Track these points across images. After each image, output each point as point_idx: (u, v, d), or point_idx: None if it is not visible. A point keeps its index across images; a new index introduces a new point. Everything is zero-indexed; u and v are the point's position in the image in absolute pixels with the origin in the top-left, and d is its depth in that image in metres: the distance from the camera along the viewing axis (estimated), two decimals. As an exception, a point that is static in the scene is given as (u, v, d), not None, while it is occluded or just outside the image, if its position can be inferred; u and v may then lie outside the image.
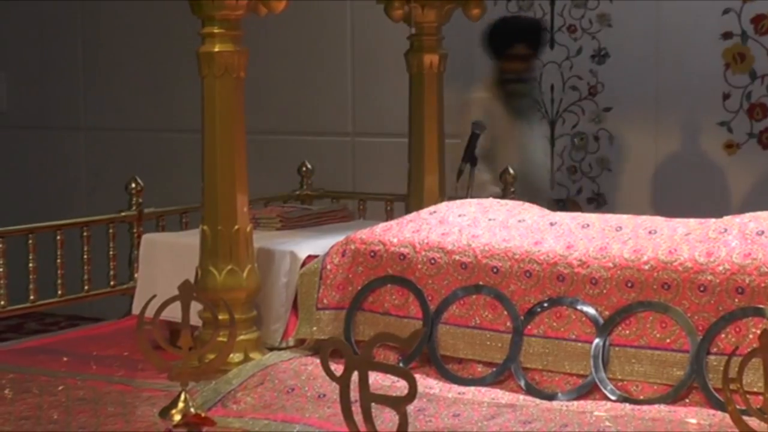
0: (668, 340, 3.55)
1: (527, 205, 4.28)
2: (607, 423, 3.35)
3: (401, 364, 3.79)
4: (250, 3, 4.08)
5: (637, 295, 3.63)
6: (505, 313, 3.80)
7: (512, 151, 5.79)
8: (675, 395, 3.48)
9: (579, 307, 3.70)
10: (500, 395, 3.65)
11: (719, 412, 3.34)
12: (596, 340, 3.64)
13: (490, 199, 4.35)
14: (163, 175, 7.04)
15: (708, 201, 5.77)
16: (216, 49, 4.04)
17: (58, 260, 4.91)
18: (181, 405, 3.37)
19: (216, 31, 4.05)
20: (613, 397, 3.54)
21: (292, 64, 7.17)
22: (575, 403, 3.55)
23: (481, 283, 3.87)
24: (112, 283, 5.15)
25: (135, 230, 5.19)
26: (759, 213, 3.73)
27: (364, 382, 2.66)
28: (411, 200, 5.22)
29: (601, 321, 3.66)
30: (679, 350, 3.53)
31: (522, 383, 3.69)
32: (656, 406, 3.46)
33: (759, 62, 5.98)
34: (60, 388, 3.97)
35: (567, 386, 3.64)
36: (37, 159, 8.07)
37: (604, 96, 6.34)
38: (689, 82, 6.09)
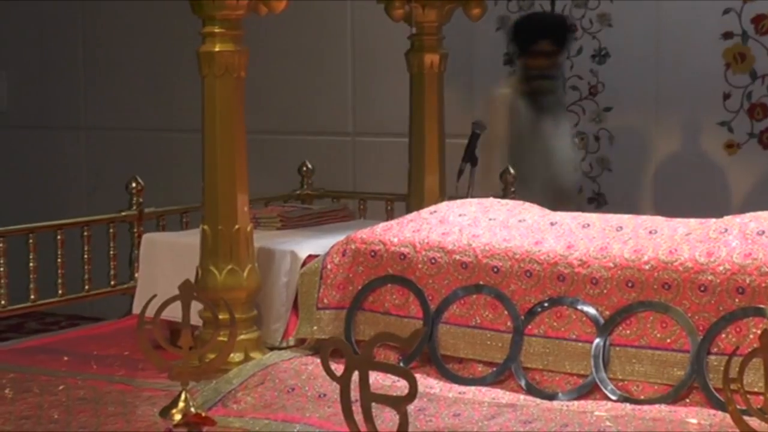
0: (669, 340, 3.55)
1: (528, 204, 4.28)
2: (608, 423, 3.35)
3: (402, 364, 3.78)
4: (251, 3, 4.08)
5: (637, 295, 3.63)
6: (506, 312, 3.80)
7: (537, 148, 5.74)
8: (675, 395, 3.48)
9: (579, 307, 3.70)
10: (501, 395, 3.65)
11: (720, 412, 3.34)
12: (597, 340, 3.64)
13: (491, 199, 4.35)
14: (163, 175, 7.05)
15: (708, 201, 5.77)
16: (216, 49, 4.04)
17: (59, 260, 4.91)
18: (181, 404, 3.37)
19: (216, 30, 4.05)
20: (613, 397, 3.54)
21: (293, 63, 7.17)
22: (576, 402, 3.55)
23: (481, 282, 3.87)
24: (112, 282, 5.15)
25: (135, 230, 5.19)
26: (759, 213, 3.73)
27: (364, 381, 2.66)
28: (411, 200, 5.22)
29: (602, 321, 3.66)
30: (679, 350, 3.53)
31: (522, 383, 3.69)
32: (657, 406, 3.46)
33: (759, 62, 5.98)
34: (60, 387, 3.97)
35: (567, 386, 3.64)
36: (37, 158, 8.07)
37: (604, 96, 6.34)
38: (690, 82, 6.09)
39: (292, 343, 4.25)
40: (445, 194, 5.13)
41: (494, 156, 5.74)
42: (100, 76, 7.89)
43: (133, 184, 5.24)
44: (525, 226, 3.98)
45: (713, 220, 3.77)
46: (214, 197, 4.11)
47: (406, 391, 2.59)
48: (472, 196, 4.65)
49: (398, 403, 2.61)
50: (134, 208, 5.22)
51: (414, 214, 4.30)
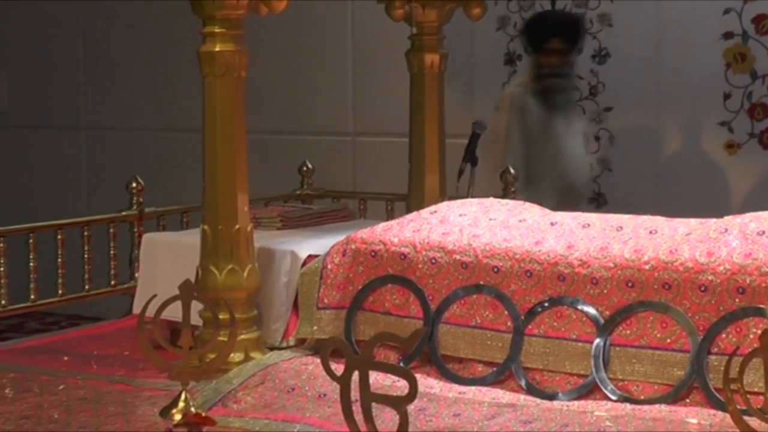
0: (669, 340, 3.55)
1: (528, 204, 4.28)
2: (608, 423, 3.35)
3: (402, 364, 3.78)
4: (251, 3, 4.08)
5: (637, 295, 3.63)
6: (506, 312, 3.80)
7: (548, 146, 5.70)
8: (675, 395, 3.48)
9: (580, 307, 3.70)
10: (501, 395, 3.65)
11: (720, 412, 3.34)
12: (597, 340, 3.64)
13: (491, 199, 4.34)
14: (163, 175, 7.04)
15: (709, 201, 5.77)
16: (217, 49, 4.04)
17: (59, 260, 4.91)
18: (181, 404, 3.37)
19: (217, 30, 4.05)
20: (613, 397, 3.54)
21: (293, 63, 7.17)
22: (576, 402, 3.55)
23: (481, 282, 3.87)
24: (112, 282, 5.15)
25: (135, 230, 5.19)
26: (760, 213, 3.72)
27: (364, 381, 2.66)
28: (412, 200, 5.22)
29: (602, 321, 3.65)
30: (679, 350, 3.53)
31: (522, 383, 3.69)
32: (657, 406, 3.46)
33: (760, 62, 5.98)
34: (60, 387, 3.97)
35: (568, 386, 3.64)
36: (37, 158, 8.07)
37: (604, 96, 6.34)
38: (690, 82, 6.09)
39: (292, 343, 4.25)
40: (445, 194, 5.13)
41: (502, 154, 5.72)
42: (100, 76, 7.89)
43: (134, 184, 5.24)
44: (525, 226, 3.98)
45: (713, 220, 3.77)
46: (214, 197, 4.11)
47: (407, 391, 2.59)
48: (473, 196, 4.65)
49: (398, 403, 2.61)
50: (134, 207, 5.22)
51: (414, 214, 4.30)
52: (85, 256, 5.01)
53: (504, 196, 5.06)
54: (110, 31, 7.83)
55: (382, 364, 3.17)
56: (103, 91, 7.86)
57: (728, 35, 6.02)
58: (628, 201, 6.10)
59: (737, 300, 3.48)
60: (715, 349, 3.47)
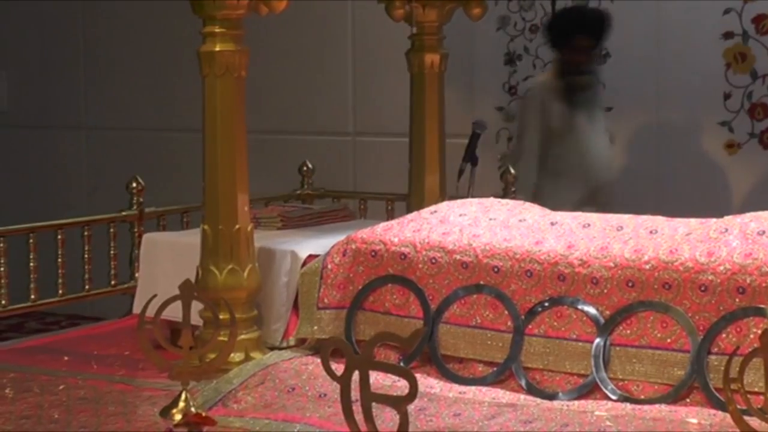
0: (669, 340, 3.55)
1: (528, 204, 4.28)
2: (608, 423, 3.35)
3: (402, 364, 3.78)
4: (251, 2, 4.08)
5: (637, 294, 3.63)
6: (506, 312, 3.80)
7: (571, 144, 5.64)
8: (676, 395, 3.48)
9: (580, 307, 3.70)
10: (501, 395, 3.65)
11: (720, 412, 3.34)
12: (597, 340, 3.64)
13: (491, 199, 4.34)
14: (163, 175, 7.04)
15: (709, 201, 5.77)
16: (217, 49, 4.04)
17: (59, 260, 4.91)
18: (181, 404, 3.37)
19: (217, 30, 4.05)
20: (613, 397, 3.54)
21: (293, 63, 7.17)
22: (576, 402, 3.55)
23: (481, 282, 3.87)
24: (112, 282, 5.16)
25: (136, 230, 5.19)
26: (760, 213, 3.73)
27: (364, 381, 2.66)
28: (412, 200, 5.22)
29: (602, 321, 3.66)
30: (679, 350, 3.53)
31: (523, 383, 3.69)
32: (657, 405, 3.46)
33: (760, 62, 5.98)
34: (61, 387, 3.97)
35: (568, 386, 3.64)
36: (37, 158, 8.07)
37: (604, 95, 6.33)
38: (690, 81, 6.09)
39: (292, 342, 4.25)
40: (445, 194, 5.13)
41: (524, 152, 5.68)
42: (100, 75, 7.89)
43: (134, 184, 5.24)
44: (525, 225, 3.98)
45: (714, 219, 3.77)
46: (214, 197, 4.11)
47: (407, 390, 2.59)
48: (473, 196, 4.65)
49: (398, 403, 2.61)
50: (135, 207, 5.22)
51: (414, 213, 4.30)
52: (86, 256, 5.01)
53: (504, 196, 5.06)
54: (110, 31, 7.83)
55: (383, 364, 3.17)
56: (103, 91, 7.86)
57: (728, 35, 6.02)
58: (628, 201, 6.11)
59: (737, 300, 3.48)
60: (716, 349, 3.47)
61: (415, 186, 5.25)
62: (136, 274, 4.95)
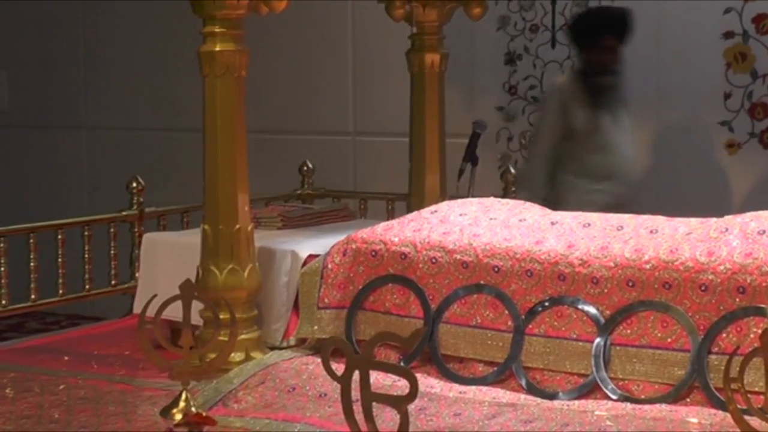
0: (669, 340, 3.55)
1: (528, 204, 4.28)
2: (608, 422, 3.35)
3: (402, 364, 3.79)
4: (252, 2, 4.08)
5: (638, 294, 3.63)
6: (506, 312, 3.80)
7: (595, 145, 5.58)
8: (676, 395, 3.48)
9: (580, 307, 3.70)
10: (501, 394, 3.65)
11: (720, 412, 3.34)
12: (597, 340, 3.64)
13: (491, 199, 4.34)
14: (164, 175, 7.04)
15: (709, 200, 5.76)
16: (217, 49, 4.05)
17: (59, 259, 4.91)
18: (182, 404, 3.37)
19: (217, 30, 4.05)
20: (614, 397, 3.54)
21: (294, 63, 7.17)
22: (576, 402, 3.55)
23: (482, 282, 3.87)
24: (113, 282, 5.16)
25: (136, 229, 5.20)
26: (760, 212, 3.73)
27: (365, 381, 2.66)
28: (412, 199, 5.22)
29: (602, 320, 3.66)
30: (680, 350, 3.53)
31: (523, 382, 3.69)
32: (657, 405, 3.46)
33: (760, 62, 5.98)
34: (61, 387, 3.97)
35: (568, 385, 3.64)
36: (37, 158, 8.07)
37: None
38: (690, 81, 6.08)
39: (292, 342, 4.26)
40: (445, 194, 5.13)
41: (537, 155, 5.64)
42: (100, 75, 7.89)
43: (134, 184, 5.25)
44: (526, 225, 3.98)
45: (714, 219, 3.78)
46: (214, 197, 4.11)
47: (407, 390, 2.59)
48: (473, 196, 4.65)
49: (399, 403, 2.61)
50: (135, 207, 5.22)
51: (415, 213, 4.30)
52: (86, 255, 5.01)
53: (504, 196, 5.06)
54: (110, 31, 7.83)
55: (383, 364, 3.17)
56: (104, 91, 7.86)
57: (729, 35, 6.01)
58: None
59: (738, 299, 3.48)
60: (716, 349, 3.47)
61: (415, 186, 5.25)
62: (137, 274, 4.96)
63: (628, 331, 3.62)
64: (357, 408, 2.68)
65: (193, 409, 3.37)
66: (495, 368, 3.77)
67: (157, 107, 7.65)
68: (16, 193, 8.00)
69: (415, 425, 3.31)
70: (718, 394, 3.38)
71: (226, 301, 3.62)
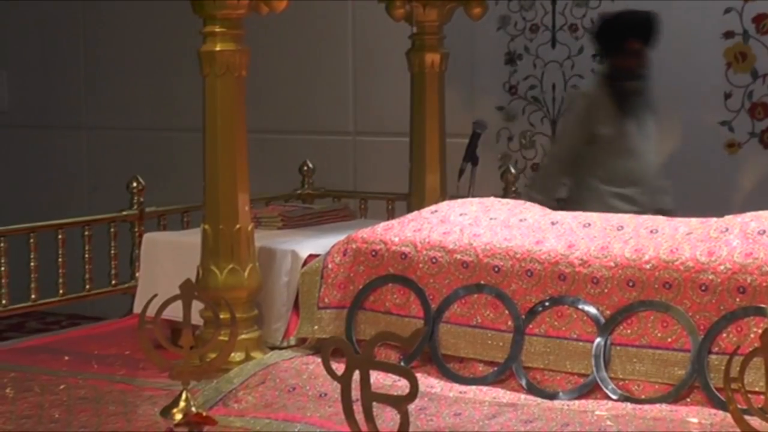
0: (669, 340, 3.55)
1: (528, 204, 4.28)
2: (609, 422, 3.35)
3: (402, 363, 3.79)
4: (252, 2, 4.08)
5: (638, 294, 3.63)
6: (507, 312, 3.80)
7: (619, 150, 5.52)
8: (676, 394, 3.48)
9: (580, 307, 3.70)
10: (501, 394, 3.65)
11: (720, 412, 3.34)
12: (597, 340, 3.64)
13: (492, 198, 4.34)
14: (164, 175, 7.04)
15: (709, 200, 5.76)
16: (217, 48, 4.05)
17: (60, 259, 4.91)
18: (182, 404, 3.37)
19: (217, 30, 4.06)
20: (614, 397, 3.54)
21: (294, 63, 7.17)
22: (576, 402, 3.55)
23: (482, 282, 3.87)
24: (113, 282, 5.16)
25: (136, 229, 5.20)
26: (760, 212, 3.73)
27: (365, 381, 2.66)
28: (412, 199, 5.22)
29: (603, 320, 3.65)
30: (680, 349, 3.53)
31: (523, 382, 3.69)
32: (657, 405, 3.46)
33: (760, 61, 5.97)
34: (61, 387, 3.97)
35: (568, 385, 3.64)
36: (38, 158, 8.07)
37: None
38: (690, 81, 6.08)
39: (293, 342, 4.26)
40: (446, 193, 5.13)
41: (555, 161, 5.61)
42: (101, 75, 7.89)
43: (134, 184, 5.25)
44: (526, 225, 3.98)
45: (714, 219, 3.77)
46: (215, 197, 4.11)
47: (407, 390, 2.59)
48: (473, 196, 4.65)
49: (399, 403, 2.61)
50: (135, 207, 5.22)
51: (415, 213, 4.30)
52: (86, 255, 5.01)
53: (504, 196, 5.06)
54: (111, 31, 7.83)
55: (383, 364, 3.17)
56: (104, 91, 7.86)
57: (729, 34, 6.01)
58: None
59: (738, 299, 3.48)
60: (716, 349, 3.47)
61: (415, 185, 5.25)
62: (137, 274, 4.96)
63: (629, 331, 3.62)
64: (357, 408, 2.68)
65: (194, 408, 3.37)
66: (495, 368, 3.77)
67: (157, 107, 7.65)
68: (17, 193, 8.00)
69: (416, 425, 3.31)
70: (718, 394, 3.38)
71: (226, 301, 3.62)
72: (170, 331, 3.92)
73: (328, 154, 6.82)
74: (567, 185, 5.54)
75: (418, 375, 3.21)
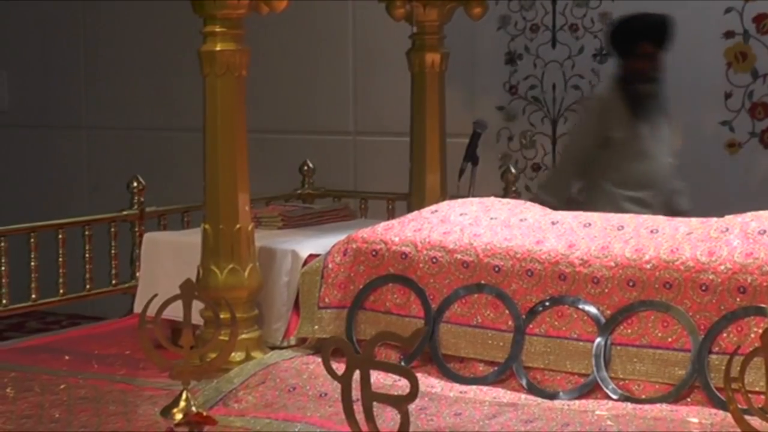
0: (670, 339, 3.55)
1: (529, 204, 4.28)
2: (609, 422, 3.35)
3: (403, 363, 3.79)
4: (252, 2, 4.08)
5: (638, 294, 3.63)
6: (507, 312, 3.80)
7: (633, 154, 5.41)
8: (677, 394, 3.48)
9: (581, 306, 3.70)
10: (502, 394, 3.65)
11: (721, 412, 3.34)
12: (598, 339, 3.63)
13: (492, 198, 4.35)
14: (164, 174, 7.04)
15: (709, 200, 5.76)
16: (218, 48, 4.04)
17: (60, 259, 4.91)
18: (182, 404, 3.37)
19: (218, 30, 4.05)
20: (614, 397, 3.54)
21: (294, 62, 7.17)
22: (577, 402, 3.55)
23: (482, 282, 3.87)
24: (113, 282, 5.16)
25: (136, 229, 5.20)
26: (761, 212, 3.73)
27: (365, 381, 2.66)
28: (412, 199, 5.22)
29: (603, 320, 3.65)
30: (680, 349, 3.53)
31: (523, 382, 3.69)
32: (658, 405, 3.46)
33: (761, 61, 5.97)
34: (61, 386, 3.97)
35: (569, 385, 3.64)
36: (38, 158, 8.07)
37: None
38: (691, 81, 6.08)
39: (293, 342, 4.25)
40: (446, 193, 5.13)
41: (573, 161, 5.59)
42: (101, 75, 7.89)
43: (135, 184, 5.25)
44: (526, 225, 3.98)
45: (714, 219, 3.77)
46: (215, 196, 4.11)
47: (408, 390, 2.59)
48: (474, 196, 4.65)
49: (399, 403, 2.61)
50: (135, 207, 5.23)
51: (415, 213, 4.30)
52: (86, 255, 5.01)
53: (505, 196, 5.06)
54: (111, 31, 7.83)
55: (384, 364, 3.17)
56: (104, 90, 7.86)
57: (729, 34, 6.01)
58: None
59: (738, 299, 3.48)
60: (716, 349, 3.47)
61: (415, 185, 5.25)
62: (137, 274, 4.96)
63: (629, 331, 3.62)
64: (357, 408, 2.68)
65: (194, 408, 3.37)
66: (495, 368, 3.77)
67: (157, 107, 7.64)
68: (17, 192, 8.00)
69: (416, 425, 3.31)
70: (718, 394, 3.38)
71: (226, 301, 3.62)
72: (170, 330, 3.91)
73: (329, 154, 6.82)
74: (579, 188, 5.52)
75: (419, 375, 3.21)
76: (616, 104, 5.44)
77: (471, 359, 3.83)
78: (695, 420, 3.32)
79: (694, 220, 3.82)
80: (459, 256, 3.93)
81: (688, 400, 3.47)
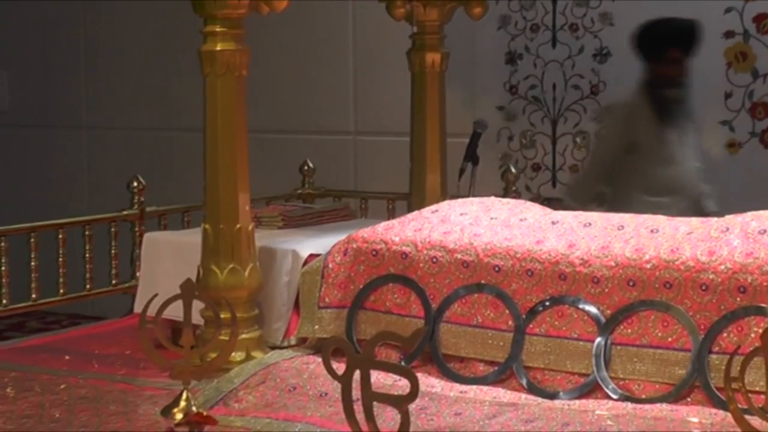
0: (670, 339, 3.55)
1: (529, 203, 4.28)
2: (609, 422, 3.35)
3: (403, 363, 3.79)
4: (253, 2, 4.08)
5: (638, 294, 3.63)
6: (507, 311, 3.80)
7: (659, 159, 5.38)
8: (677, 394, 3.48)
9: (581, 306, 3.70)
10: (502, 394, 3.65)
11: (721, 411, 3.34)
12: (598, 339, 3.64)
13: (492, 198, 4.35)
14: (164, 174, 7.04)
15: (710, 200, 5.75)
16: (218, 48, 4.05)
17: (60, 259, 4.91)
18: (182, 404, 3.37)
19: (218, 29, 4.05)
20: (614, 396, 3.54)
21: (294, 62, 7.17)
22: (577, 402, 3.55)
23: (482, 281, 3.87)
24: (113, 281, 5.16)
25: (137, 229, 5.20)
26: (761, 212, 3.73)
27: (366, 380, 2.67)
28: (413, 199, 5.22)
29: (603, 320, 3.65)
30: (680, 349, 3.53)
31: (524, 382, 3.69)
32: (658, 405, 3.46)
33: (761, 61, 5.97)
34: (62, 386, 3.97)
35: (569, 385, 3.64)
36: (38, 158, 8.07)
37: (605, 95, 6.32)
38: (691, 80, 6.08)
39: (293, 342, 4.26)
40: (446, 193, 5.13)
41: (600, 166, 5.56)
42: (101, 75, 7.89)
43: (135, 183, 5.25)
44: (526, 225, 3.98)
45: (714, 219, 3.78)
46: (215, 196, 4.11)
47: (408, 390, 2.59)
48: (474, 195, 4.65)
49: (400, 402, 2.61)
50: (136, 207, 5.22)
51: (415, 213, 4.30)
52: (87, 255, 5.01)
53: (505, 195, 5.06)
54: (111, 31, 7.83)
55: (384, 363, 3.18)
56: (104, 90, 7.86)
57: (729, 34, 6.01)
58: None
59: (738, 299, 3.48)
60: (717, 348, 3.47)
61: (416, 185, 5.25)
62: (137, 274, 4.96)
63: (629, 331, 3.62)
64: (358, 407, 2.68)
65: (194, 408, 3.37)
66: (496, 368, 3.77)
67: (157, 107, 7.64)
68: (17, 192, 8.00)
69: (416, 425, 3.31)
70: (718, 394, 3.38)
71: (226, 301, 3.62)
72: (171, 330, 3.92)
73: (329, 154, 6.82)
74: (605, 193, 5.50)
75: (419, 375, 3.21)
76: (642, 109, 5.42)
77: (471, 359, 3.83)
78: (695, 420, 3.32)
79: (694, 220, 3.82)
80: (459, 256, 3.93)
81: (688, 399, 3.47)
